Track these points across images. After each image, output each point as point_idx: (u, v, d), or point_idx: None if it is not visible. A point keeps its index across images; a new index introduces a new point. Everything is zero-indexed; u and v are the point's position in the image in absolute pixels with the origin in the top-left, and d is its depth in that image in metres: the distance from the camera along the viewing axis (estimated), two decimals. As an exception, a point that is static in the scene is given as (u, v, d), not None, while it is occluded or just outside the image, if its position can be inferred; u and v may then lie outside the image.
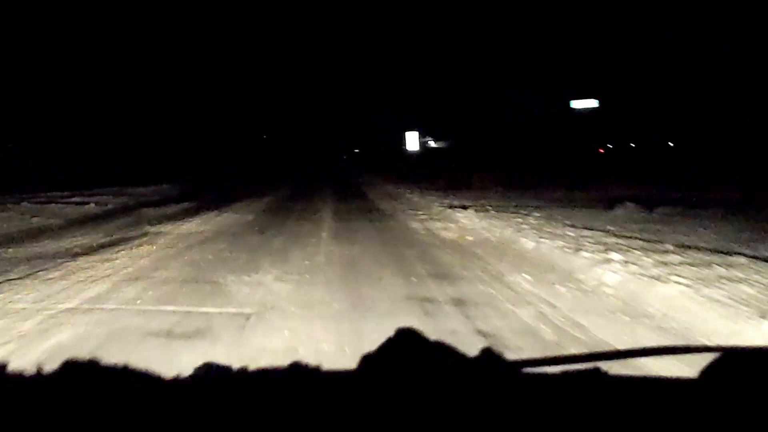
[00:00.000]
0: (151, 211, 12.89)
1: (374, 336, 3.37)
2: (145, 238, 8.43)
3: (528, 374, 1.10)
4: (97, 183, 23.91)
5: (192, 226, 9.96)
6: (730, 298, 4.44)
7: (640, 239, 7.80)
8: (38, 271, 6.00)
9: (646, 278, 5.28)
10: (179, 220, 10.93)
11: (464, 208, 12.29)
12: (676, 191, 18.47)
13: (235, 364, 1.87)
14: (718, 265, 5.73)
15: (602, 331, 3.98)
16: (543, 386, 1.02)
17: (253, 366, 1.90)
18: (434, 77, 35.22)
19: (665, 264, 5.92)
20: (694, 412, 0.86)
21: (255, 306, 4.62)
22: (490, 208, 12.65)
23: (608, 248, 6.93)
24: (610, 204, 13.36)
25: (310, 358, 2.66)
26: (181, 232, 9.08)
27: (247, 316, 4.31)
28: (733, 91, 24.07)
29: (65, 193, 19.11)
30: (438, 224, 10.50)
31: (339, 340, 3.61)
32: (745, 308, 4.15)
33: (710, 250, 6.80)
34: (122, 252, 7.21)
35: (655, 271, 5.55)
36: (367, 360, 1.34)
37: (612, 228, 9.31)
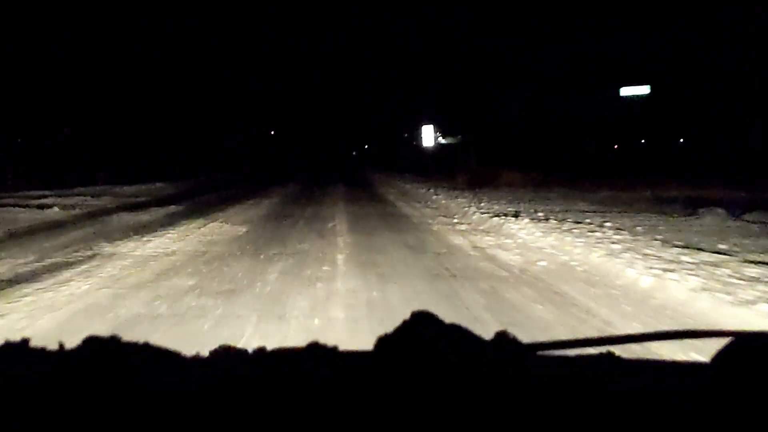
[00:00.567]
0: (125, 218, 10.43)
1: None
2: (83, 267, 5.93)
3: (543, 357, 1.03)
4: (89, 181, 21.50)
5: (163, 242, 7.48)
6: None
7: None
8: None
9: None
10: (152, 231, 8.46)
11: (516, 216, 9.72)
12: (734, 190, 15.91)
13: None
14: None
15: None
16: (558, 368, 0.97)
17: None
18: (444, 70, 32.51)
19: None
20: (706, 396, 0.81)
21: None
22: (540, 214, 10.13)
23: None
24: (689, 208, 10.81)
25: None
26: (142, 255, 6.59)
27: None
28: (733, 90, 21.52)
29: (43, 192, 16.74)
30: (488, 239, 7.97)
31: None
32: None
33: None
34: (25, 300, 4.68)
35: None
36: None
37: (734, 248, 6.76)
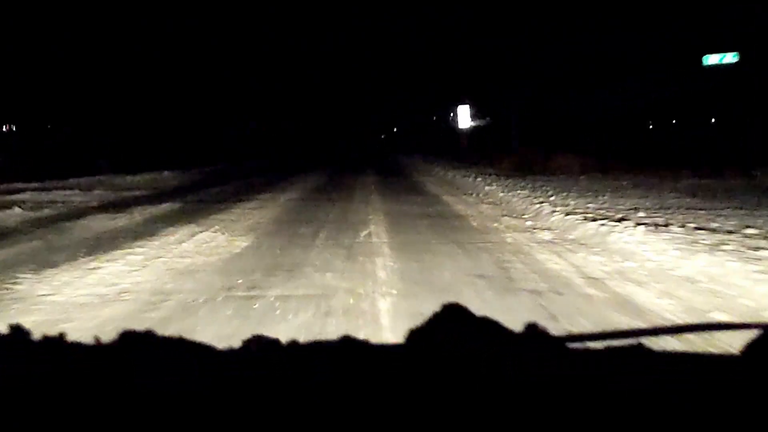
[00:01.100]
0: (95, 223, 8.02)
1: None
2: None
3: (573, 349, 1.01)
4: (89, 170, 19.27)
5: (117, 271, 5.02)
6: None
7: None
8: None
9: None
10: (115, 248, 6.01)
11: (620, 219, 7.01)
12: None
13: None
14: None
15: None
16: (589, 360, 0.97)
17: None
18: (478, 45, 29.62)
19: None
20: (736, 389, 0.80)
21: None
22: (641, 213, 7.48)
23: None
24: None
25: None
26: (67, 301, 4.13)
27: None
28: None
29: (27, 185, 14.50)
30: (596, 260, 5.34)
31: None
32: None
33: None
34: None
35: None
36: None
37: None
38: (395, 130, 65.48)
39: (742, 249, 5.25)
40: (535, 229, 7.19)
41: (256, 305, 3.97)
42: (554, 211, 8.03)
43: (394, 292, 4.30)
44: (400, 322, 3.51)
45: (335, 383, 0.87)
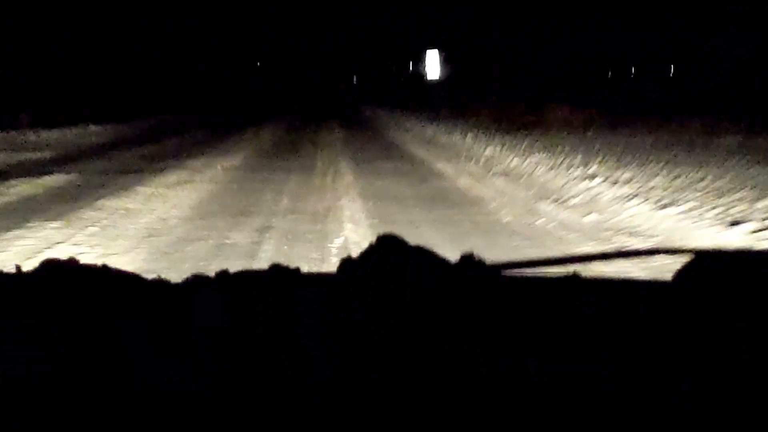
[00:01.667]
0: None
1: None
2: None
3: (508, 277, 1.04)
4: (5, 123, 15.82)
5: None
6: None
7: None
8: None
9: None
10: None
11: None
12: None
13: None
14: None
15: None
16: (523, 288, 1.01)
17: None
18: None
19: None
20: (667, 313, 0.84)
21: None
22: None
23: None
24: None
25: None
26: None
27: None
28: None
29: None
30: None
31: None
32: None
33: None
34: None
35: None
36: None
37: None
38: (354, 80, 61.88)
39: None
40: (596, 228, 4.54)
41: None
42: (609, 195, 5.41)
43: None
44: None
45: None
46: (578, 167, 7.00)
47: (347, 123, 17.82)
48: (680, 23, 21.85)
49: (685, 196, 5.23)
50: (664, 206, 4.91)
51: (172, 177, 7.33)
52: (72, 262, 0.92)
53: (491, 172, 7.67)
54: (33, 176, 7.37)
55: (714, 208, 4.70)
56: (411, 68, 41.39)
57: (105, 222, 4.79)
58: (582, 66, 29.33)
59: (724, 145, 9.06)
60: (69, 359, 0.70)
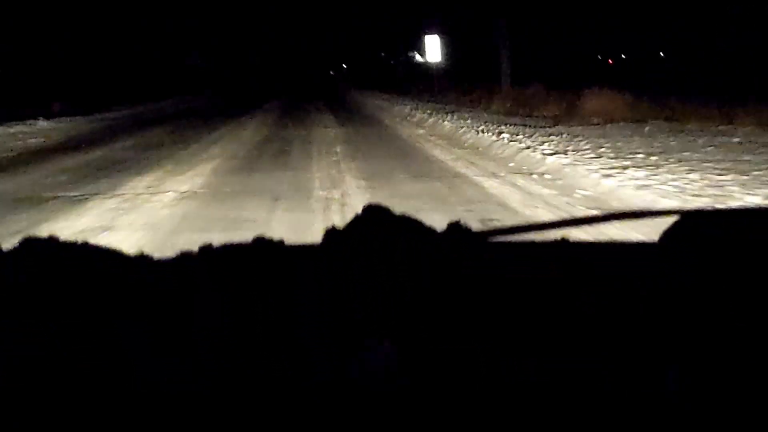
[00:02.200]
0: None
1: None
2: None
3: (495, 243, 1.07)
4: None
5: None
6: None
7: None
8: None
9: None
10: None
11: None
12: None
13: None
14: None
15: None
16: (510, 254, 1.01)
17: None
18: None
19: None
20: (654, 274, 0.85)
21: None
22: None
23: None
24: None
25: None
26: None
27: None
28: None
29: None
30: None
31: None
32: None
33: None
34: None
35: None
36: None
37: None
38: (344, 67, 60.47)
39: None
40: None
41: None
42: None
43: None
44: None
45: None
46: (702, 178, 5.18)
47: (342, 113, 15.85)
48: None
49: None
50: None
51: (130, 186, 5.51)
52: (52, 240, 0.91)
53: (542, 185, 5.87)
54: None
55: None
56: (401, 55, 40.39)
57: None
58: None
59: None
60: (52, 344, 0.67)
